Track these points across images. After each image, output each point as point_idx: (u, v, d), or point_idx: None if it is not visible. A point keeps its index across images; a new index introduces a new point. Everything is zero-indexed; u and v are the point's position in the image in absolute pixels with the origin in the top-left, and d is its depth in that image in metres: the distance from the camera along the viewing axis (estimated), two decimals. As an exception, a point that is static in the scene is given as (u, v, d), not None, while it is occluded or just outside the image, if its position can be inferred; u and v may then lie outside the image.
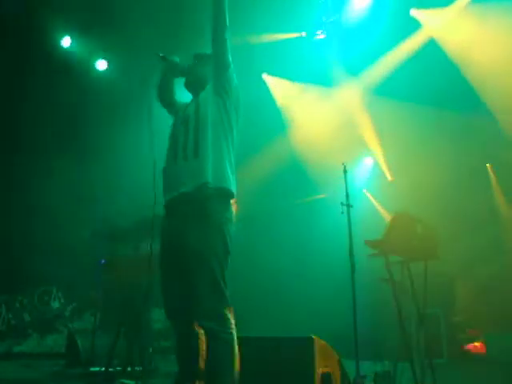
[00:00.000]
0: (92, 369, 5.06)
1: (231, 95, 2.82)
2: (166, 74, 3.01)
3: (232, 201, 2.72)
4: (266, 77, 8.65)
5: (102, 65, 7.88)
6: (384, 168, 8.37)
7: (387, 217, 7.24)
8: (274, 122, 8.64)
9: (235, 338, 2.55)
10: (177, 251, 2.60)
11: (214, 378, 2.49)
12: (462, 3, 6.85)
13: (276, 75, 8.54)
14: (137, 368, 4.50)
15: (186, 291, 2.56)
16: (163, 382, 4.46)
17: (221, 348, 2.50)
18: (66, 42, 7.51)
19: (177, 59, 3.01)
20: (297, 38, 7.69)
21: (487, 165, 7.47)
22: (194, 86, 2.95)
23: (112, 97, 7.59)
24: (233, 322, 2.57)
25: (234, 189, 2.72)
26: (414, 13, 7.26)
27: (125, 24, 6.89)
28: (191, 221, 2.58)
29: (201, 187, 2.59)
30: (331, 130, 7.90)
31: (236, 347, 2.54)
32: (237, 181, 2.77)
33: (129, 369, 4.42)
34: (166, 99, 3.04)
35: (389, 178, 8.29)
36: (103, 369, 4.50)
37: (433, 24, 7.14)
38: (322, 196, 8.64)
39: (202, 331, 2.58)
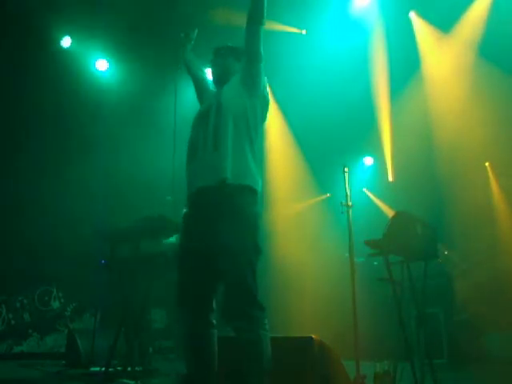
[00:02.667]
0: (92, 369, 5.06)
1: (259, 89, 2.75)
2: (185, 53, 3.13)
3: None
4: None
5: (102, 65, 7.86)
6: (385, 167, 8.35)
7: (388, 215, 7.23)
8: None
9: (266, 338, 2.47)
10: (203, 246, 2.52)
11: (243, 378, 2.45)
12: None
13: (274, 71, 8.50)
14: (137, 368, 4.50)
15: (208, 290, 2.54)
16: (163, 382, 4.46)
17: (247, 348, 2.45)
18: (65, 42, 7.51)
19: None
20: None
21: (486, 164, 7.45)
22: (219, 78, 2.90)
23: (112, 97, 7.59)
24: (265, 322, 2.49)
25: (258, 186, 2.62)
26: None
27: (125, 24, 6.90)
28: (219, 215, 2.49)
29: (221, 182, 2.51)
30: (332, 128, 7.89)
31: (266, 347, 2.46)
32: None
33: (129, 369, 4.41)
34: (192, 69, 3.13)
35: (390, 178, 8.27)
36: (103, 369, 4.50)
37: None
38: (325, 196, 8.65)
39: (215, 331, 2.57)
